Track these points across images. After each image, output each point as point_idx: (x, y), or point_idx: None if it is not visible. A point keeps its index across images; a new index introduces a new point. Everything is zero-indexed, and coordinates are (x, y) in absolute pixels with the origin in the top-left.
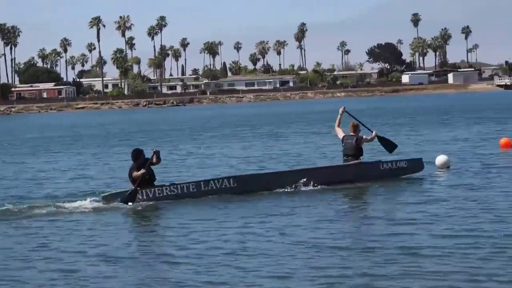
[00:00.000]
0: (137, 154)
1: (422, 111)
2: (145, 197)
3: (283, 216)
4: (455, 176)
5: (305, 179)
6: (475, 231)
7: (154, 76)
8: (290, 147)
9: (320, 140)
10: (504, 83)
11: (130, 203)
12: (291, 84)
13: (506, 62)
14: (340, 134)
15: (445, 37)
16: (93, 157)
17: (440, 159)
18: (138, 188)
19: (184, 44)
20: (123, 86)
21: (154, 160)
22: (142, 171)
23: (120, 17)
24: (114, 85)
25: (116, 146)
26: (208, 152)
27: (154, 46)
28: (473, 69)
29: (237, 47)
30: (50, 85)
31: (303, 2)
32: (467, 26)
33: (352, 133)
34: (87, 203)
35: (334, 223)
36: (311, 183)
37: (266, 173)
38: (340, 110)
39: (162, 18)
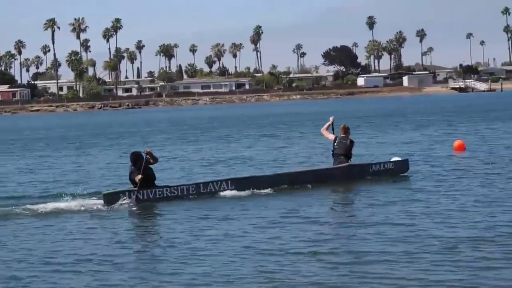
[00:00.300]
0: (137, 158)
1: (376, 114)
2: (145, 197)
3: (234, 220)
4: (408, 179)
5: (301, 180)
6: (424, 236)
7: (109, 79)
8: (242, 150)
9: (274, 143)
10: (458, 86)
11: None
12: (247, 86)
13: (460, 65)
14: (331, 136)
15: (400, 40)
16: (48, 159)
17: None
18: (136, 189)
19: (140, 46)
20: (78, 89)
21: (151, 160)
22: (139, 176)
23: (75, 19)
24: (69, 88)
25: (66, 149)
26: (159, 154)
27: (109, 49)
28: (427, 72)
29: (193, 49)
30: (4, 88)
31: (258, 5)
32: (422, 29)
33: (343, 135)
34: (88, 202)
35: (284, 227)
36: (307, 184)
37: (263, 175)
38: (331, 119)
39: (117, 21)
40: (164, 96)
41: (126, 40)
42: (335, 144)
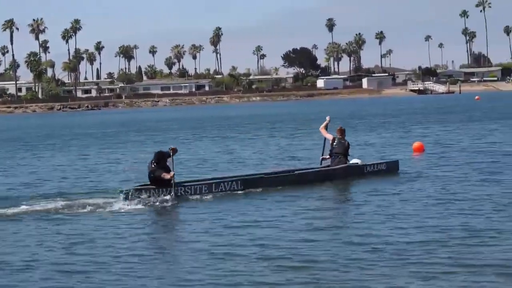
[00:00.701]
0: (161, 156)
1: (336, 116)
2: (162, 194)
3: (188, 222)
4: (368, 181)
5: (307, 180)
6: (375, 239)
7: (68, 80)
8: (199, 151)
9: (229, 145)
10: (417, 88)
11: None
12: (206, 88)
13: (419, 67)
14: (329, 135)
15: (360, 42)
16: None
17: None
18: (154, 186)
19: (99, 47)
20: (37, 90)
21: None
22: (172, 173)
23: (34, 20)
24: (28, 89)
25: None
26: (114, 156)
27: (68, 50)
28: (387, 74)
29: (153, 51)
30: None
31: (218, 7)
32: (381, 32)
33: (340, 136)
34: (106, 200)
35: (231, 231)
36: (311, 183)
37: (270, 174)
38: (328, 118)
39: (77, 21)
40: (123, 97)
41: (85, 41)
42: (334, 144)
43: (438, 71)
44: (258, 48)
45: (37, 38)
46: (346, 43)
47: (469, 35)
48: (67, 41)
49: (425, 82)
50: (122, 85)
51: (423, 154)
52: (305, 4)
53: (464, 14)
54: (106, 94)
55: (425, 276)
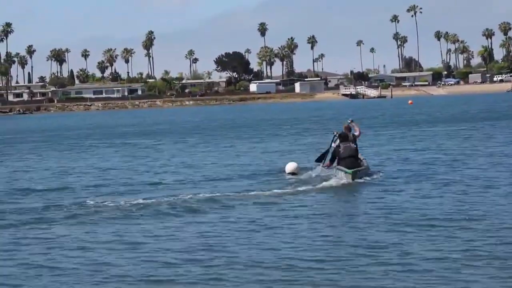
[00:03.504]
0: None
1: (259, 122)
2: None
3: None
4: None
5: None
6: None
7: (0, 84)
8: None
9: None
10: (349, 93)
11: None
12: (139, 92)
13: (351, 72)
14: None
15: (292, 46)
16: None
17: (290, 165)
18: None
19: (31, 51)
20: None
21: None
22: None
23: None
24: None
25: None
26: (23, 164)
27: None
28: (319, 78)
29: (85, 54)
30: None
31: (151, 10)
32: (313, 36)
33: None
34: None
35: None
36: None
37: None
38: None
39: (8, 25)
40: (55, 101)
41: (16, 45)
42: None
43: (369, 75)
44: (191, 52)
45: None
46: (279, 48)
47: (400, 40)
48: None
49: (357, 87)
50: (54, 89)
51: None
52: (237, 8)
53: (395, 19)
54: (38, 98)
55: None
